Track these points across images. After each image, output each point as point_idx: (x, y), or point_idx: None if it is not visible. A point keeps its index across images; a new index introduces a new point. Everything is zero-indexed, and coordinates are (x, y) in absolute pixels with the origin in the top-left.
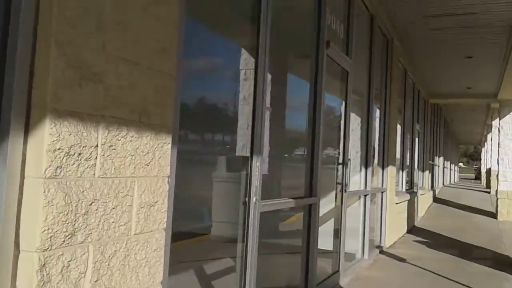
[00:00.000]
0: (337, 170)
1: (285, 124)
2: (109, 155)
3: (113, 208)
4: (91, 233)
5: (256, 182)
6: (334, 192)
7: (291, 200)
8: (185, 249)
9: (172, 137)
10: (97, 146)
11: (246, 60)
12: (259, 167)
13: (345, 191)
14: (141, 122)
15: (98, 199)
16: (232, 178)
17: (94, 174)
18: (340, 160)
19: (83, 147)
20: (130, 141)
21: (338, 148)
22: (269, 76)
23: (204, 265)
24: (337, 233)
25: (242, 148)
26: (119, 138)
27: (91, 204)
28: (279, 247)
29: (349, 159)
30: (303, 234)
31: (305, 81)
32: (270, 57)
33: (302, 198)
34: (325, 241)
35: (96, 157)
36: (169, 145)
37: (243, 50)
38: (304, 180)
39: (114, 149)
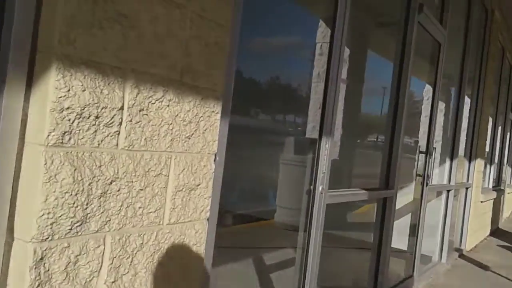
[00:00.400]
0: (418, 160)
1: (360, 107)
2: (138, 122)
3: (141, 189)
4: (109, 221)
5: (323, 168)
6: (411, 185)
7: (363, 191)
8: (245, 233)
9: (223, 106)
10: (122, 108)
11: (323, 33)
12: (328, 150)
13: (427, 184)
14: (183, 83)
15: (120, 177)
16: (300, 162)
17: (116, 144)
18: (423, 149)
19: (103, 108)
20: (168, 105)
21: (417, 136)
22: (346, 51)
23: (262, 254)
24: (413, 232)
25: (312, 129)
26: (153, 101)
27: (110, 183)
28: (347, 240)
29: (434, 148)
30: (375, 230)
31: (385, 57)
32: (349, 26)
33: (377, 190)
34: (398, 238)
35: (121, 123)
36: (218, 115)
37: (320, 22)
38: (379, 169)
39: (146, 114)
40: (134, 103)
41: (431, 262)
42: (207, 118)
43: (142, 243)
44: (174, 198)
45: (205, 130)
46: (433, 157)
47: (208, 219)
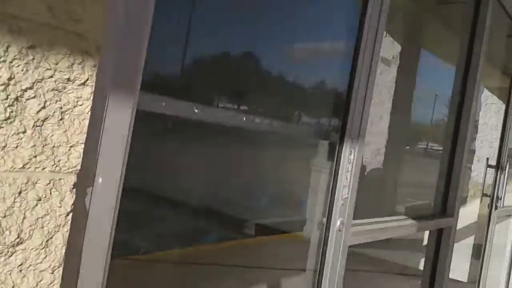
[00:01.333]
0: (485, 175)
1: (410, 114)
2: None
3: None
4: None
5: (344, 191)
6: (473, 205)
7: (410, 222)
8: (268, 246)
9: (106, 71)
10: None
11: None
12: (354, 163)
13: (496, 207)
14: None
15: None
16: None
17: None
18: (492, 162)
19: None
20: None
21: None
22: (397, 47)
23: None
24: (475, 263)
25: None
26: None
27: None
28: (377, 262)
29: (508, 161)
30: (426, 266)
31: (441, 57)
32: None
33: (430, 218)
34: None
35: None
36: (88, 89)
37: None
38: (434, 190)
39: None
40: None
41: None
42: (51, 94)
43: None
44: None
45: (44, 119)
46: (505, 173)
47: None
